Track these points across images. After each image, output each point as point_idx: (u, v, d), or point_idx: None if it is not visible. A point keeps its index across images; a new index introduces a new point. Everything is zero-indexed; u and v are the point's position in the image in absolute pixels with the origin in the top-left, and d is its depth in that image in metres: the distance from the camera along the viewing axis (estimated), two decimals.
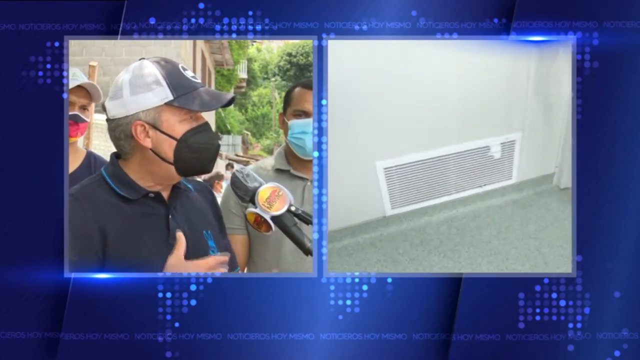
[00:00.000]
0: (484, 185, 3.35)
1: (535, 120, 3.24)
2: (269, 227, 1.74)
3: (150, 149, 1.79)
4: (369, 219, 3.18)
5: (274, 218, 1.74)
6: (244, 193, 1.76)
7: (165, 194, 1.84)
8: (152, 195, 1.82)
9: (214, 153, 1.82)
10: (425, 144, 3.06)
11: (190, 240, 1.82)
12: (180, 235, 1.78)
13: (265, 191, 1.75)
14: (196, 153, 1.79)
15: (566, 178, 3.49)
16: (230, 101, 1.83)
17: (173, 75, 1.79)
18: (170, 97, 1.77)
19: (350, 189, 2.97)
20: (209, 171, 1.85)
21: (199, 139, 1.79)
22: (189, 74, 1.82)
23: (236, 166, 1.99)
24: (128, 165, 1.83)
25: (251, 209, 1.75)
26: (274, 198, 1.75)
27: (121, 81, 1.80)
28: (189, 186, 1.94)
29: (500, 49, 2.82)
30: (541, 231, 3.23)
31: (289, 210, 1.74)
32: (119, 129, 1.80)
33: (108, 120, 1.82)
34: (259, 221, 1.75)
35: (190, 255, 1.82)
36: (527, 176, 3.48)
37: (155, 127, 1.78)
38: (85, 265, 1.77)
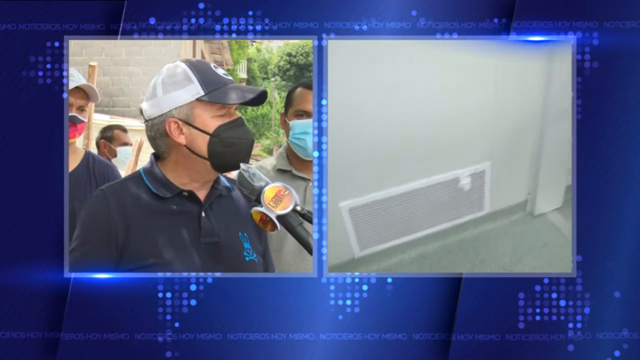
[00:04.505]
0: (456, 219, 3.22)
1: (503, 149, 3.11)
2: (274, 227, 1.74)
3: (185, 146, 1.82)
4: (337, 262, 3.07)
5: (279, 217, 1.73)
6: (250, 192, 1.76)
7: (201, 193, 1.86)
8: (185, 193, 1.84)
9: (248, 147, 1.84)
10: (392, 181, 2.93)
11: (223, 240, 1.84)
12: None
13: (271, 190, 1.75)
14: (229, 147, 1.81)
15: (540, 204, 3.38)
16: (262, 95, 1.85)
17: (204, 72, 1.82)
18: (202, 93, 1.80)
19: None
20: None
21: (233, 134, 1.81)
22: (220, 71, 1.84)
23: (242, 165, 1.97)
24: (165, 164, 1.86)
25: (257, 208, 1.74)
26: (280, 197, 1.74)
27: (154, 82, 1.84)
28: (229, 186, 1.94)
29: (460, 77, 2.68)
30: (517, 262, 3.13)
31: (294, 210, 1.74)
32: (154, 129, 1.83)
33: (145, 121, 1.86)
34: (264, 220, 1.75)
35: (223, 256, 1.84)
36: (500, 206, 3.35)
37: (188, 123, 1.81)
38: (94, 261, 1.79)
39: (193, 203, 1.85)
